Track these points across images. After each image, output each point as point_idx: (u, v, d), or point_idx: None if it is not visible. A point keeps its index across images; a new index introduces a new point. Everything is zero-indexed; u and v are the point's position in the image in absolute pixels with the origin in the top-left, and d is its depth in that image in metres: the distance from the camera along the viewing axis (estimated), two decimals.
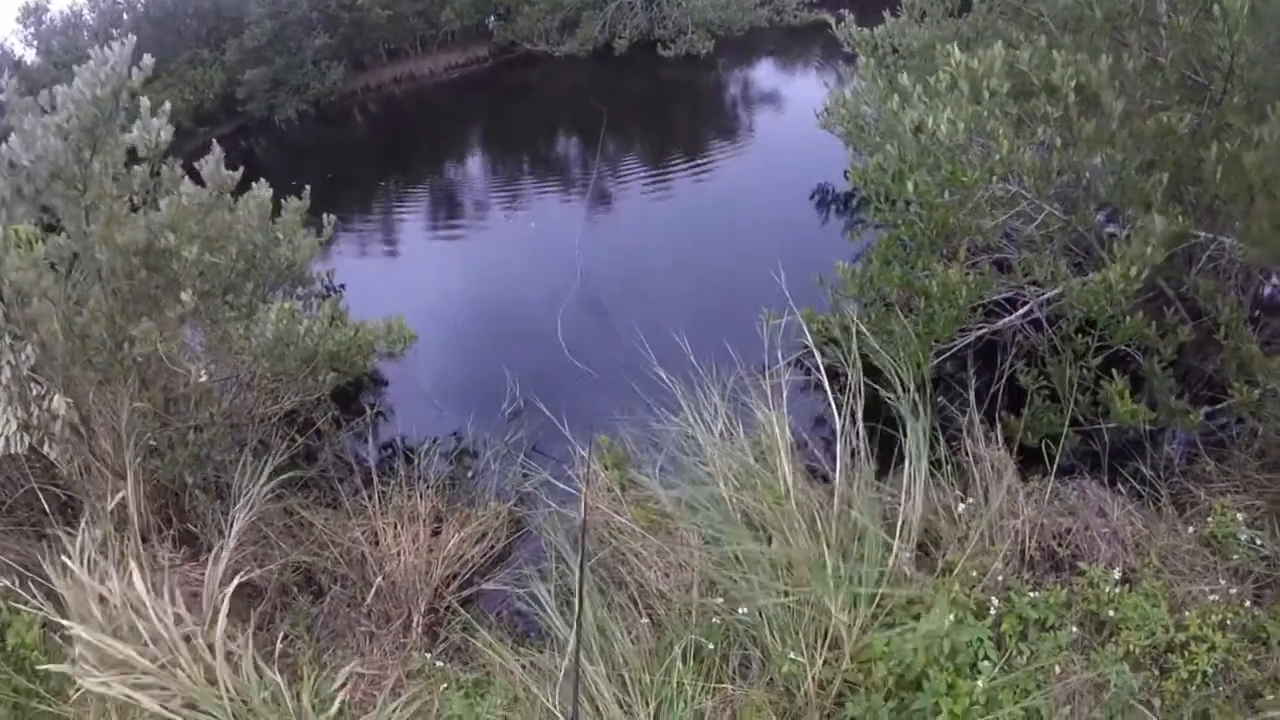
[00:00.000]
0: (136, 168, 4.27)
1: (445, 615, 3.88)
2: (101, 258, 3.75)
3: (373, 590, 3.97)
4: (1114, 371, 4.09)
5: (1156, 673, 2.95)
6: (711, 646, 2.81)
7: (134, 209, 4.31)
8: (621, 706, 2.62)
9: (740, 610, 2.80)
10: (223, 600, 3.57)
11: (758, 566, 2.80)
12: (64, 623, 3.46)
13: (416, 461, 4.54)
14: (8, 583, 4.24)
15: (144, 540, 4.02)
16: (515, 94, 14.44)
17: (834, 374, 3.45)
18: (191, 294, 3.69)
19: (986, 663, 2.73)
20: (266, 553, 4.28)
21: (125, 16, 15.23)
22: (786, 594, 2.66)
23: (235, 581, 3.61)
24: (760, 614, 2.74)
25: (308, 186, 5.42)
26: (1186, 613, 3.05)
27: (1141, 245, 3.35)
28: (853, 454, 3.26)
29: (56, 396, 3.75)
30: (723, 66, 12.44)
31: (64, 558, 3.44)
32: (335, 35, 14.84)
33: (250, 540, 4.17)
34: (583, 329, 6.19)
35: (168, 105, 4.24)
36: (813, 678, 2.67)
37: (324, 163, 12.78)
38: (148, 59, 3.59)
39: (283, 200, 5.16)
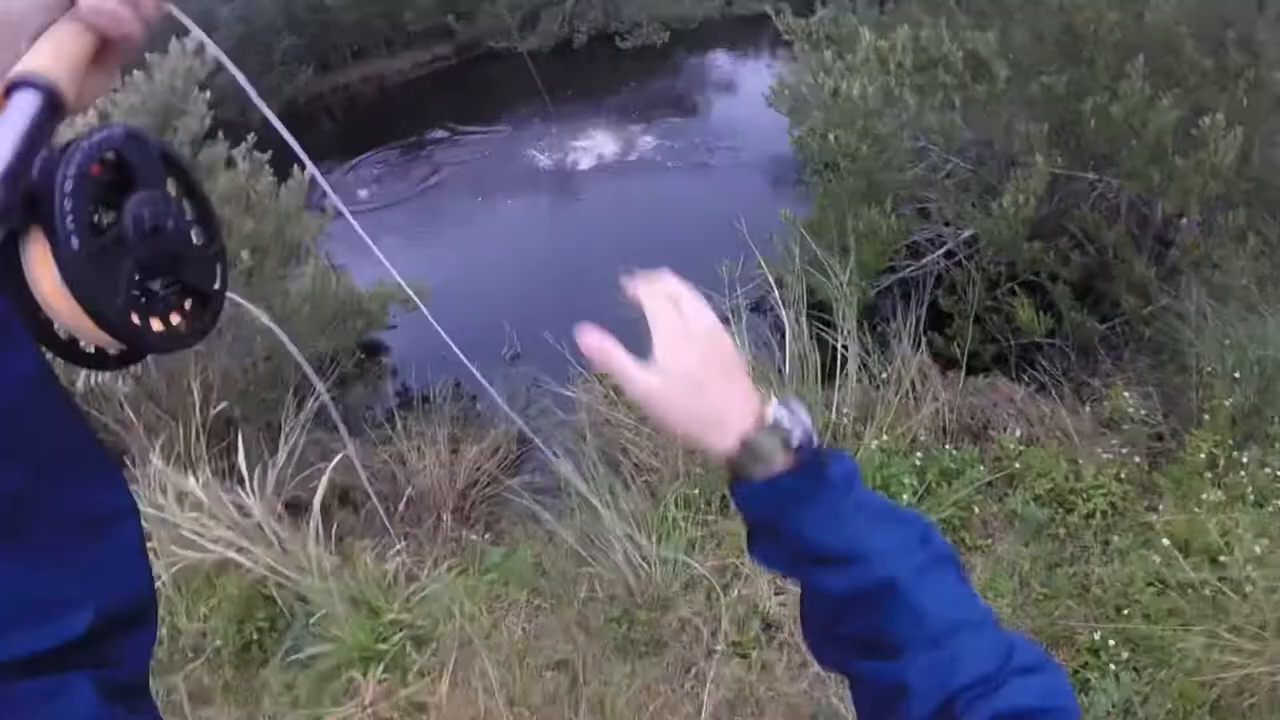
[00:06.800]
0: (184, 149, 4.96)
1: (470, 513, 4.62)
2: None
3: (403, 499, 4.69)
4: (1023, 296, 4.96)
5: (1060, 510, 3.52)
6: (697, 492, 3.61)
7: None
8: (631, 541, 3.41)
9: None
10: (281, 496, 4.31)
11: None
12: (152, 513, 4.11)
13: (432, 398, 5.26)
14: None
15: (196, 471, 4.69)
16: (478, 90, 15.08)
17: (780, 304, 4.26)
18: (250, 253, 4.40)
19: (909, 492, 3.51)
20: (308, 477, 4.98)
21: None
22: None
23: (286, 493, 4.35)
24: None
25: (309, 165, 6.01)
26: (1082, 462, 3.63)
27: (1025, 180, 4.20)
28: (802, 360, 4.09)
29: None
30: (678, 57, 13.23)
31: (152, 457, 4.11)
32: (303, 36, 15.33)
33: (292, 467, 4.85)
34: (561, 286, 6.93)
35: (208, 94, 4.94)
36: None
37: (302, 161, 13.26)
38: (211, 49, 4.30)
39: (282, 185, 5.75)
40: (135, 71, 4.35)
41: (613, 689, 3.12)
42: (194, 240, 0.60)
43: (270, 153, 5.50)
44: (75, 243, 0.49)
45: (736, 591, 3.27)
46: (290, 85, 15.51)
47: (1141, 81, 4.12)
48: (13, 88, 0.50)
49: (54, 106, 0.51)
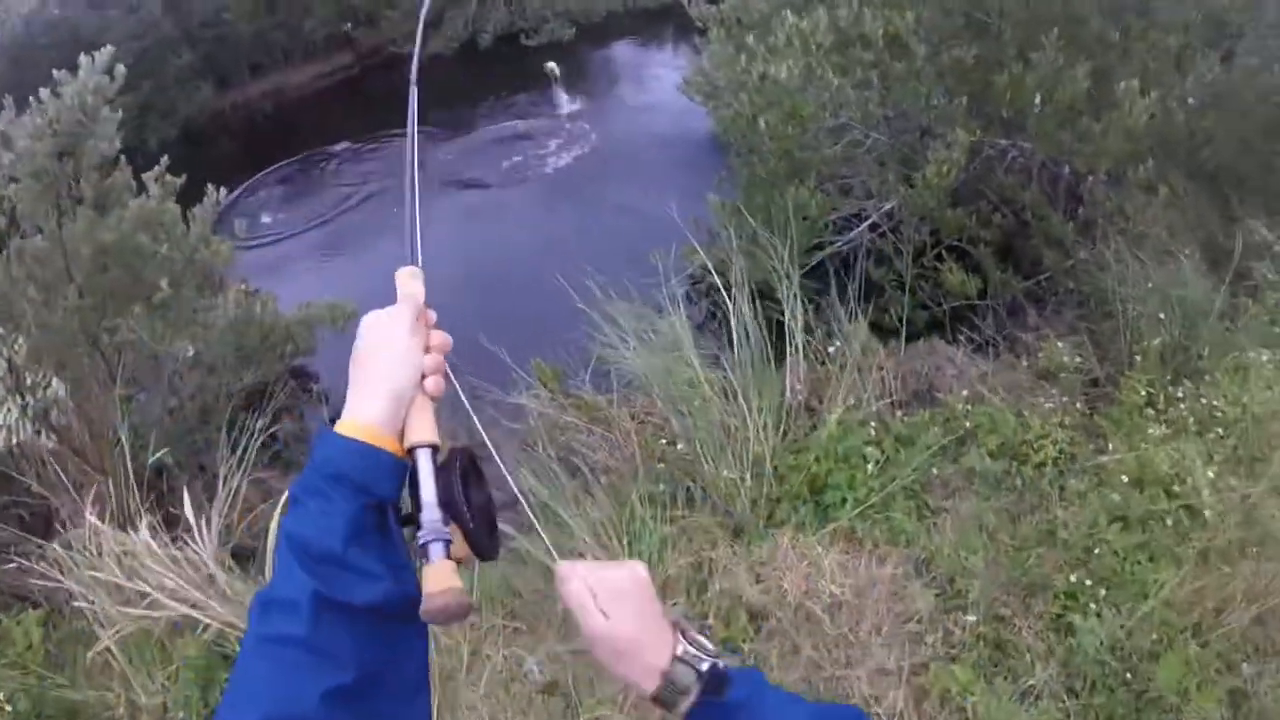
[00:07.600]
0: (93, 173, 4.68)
1: None
2: (84, 254, 4.17)
3: None
4: (950, 261, 5.09)
5: (1014, 463, 3.58)
6: (662, 488, 3.59)
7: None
8: (601, 545, 3.37)
9: (679, 446, 3.60)
10: (228, 544, 4.11)
11: (687, 420, 3.60)
12: (91, 576, 3.87)
13: None
14: None
15: (133, 525, 4.45)
16: (381, 99, 14.70)
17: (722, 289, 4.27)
18: (167, 283, 4.20)
19: (873, 462, 3.54)
20: (253, 520, 4.74)
21: None
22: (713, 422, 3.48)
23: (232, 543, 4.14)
24: (697, 447, 3.54)
25: (222, 188, 5.79)
26: (1027, 414, 3.74)
27: (946, 151, 4.29)
28: (747, 335, 4.09)
29: (54, 381, 4.09)
30: (586, 52, 13.12)
31: (89, 516, 3.87)
32: (198, 53, 14.76)
33: (236, 512, 4.63)
34: (491, 292, 6.82)
35: (119, 113, 4.68)
36: (745, 495, 3.48)
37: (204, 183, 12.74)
38: (120, 68, 4.09)
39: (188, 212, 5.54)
40: (41, 90, 4.07)
41: (608, 705, 3.01)
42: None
43: (184, 176, 5.28)
44: (471, 526, 0.94)
45: (717, 585, 3.23)
46: (188, 104, 14.95)
47: (1055, 53, 4.26)
48: (415, 448, 0.96)
49: (436, 451, 0.97)
